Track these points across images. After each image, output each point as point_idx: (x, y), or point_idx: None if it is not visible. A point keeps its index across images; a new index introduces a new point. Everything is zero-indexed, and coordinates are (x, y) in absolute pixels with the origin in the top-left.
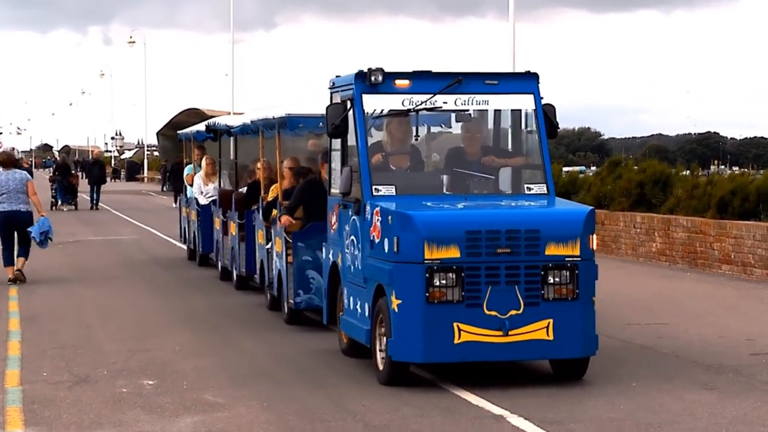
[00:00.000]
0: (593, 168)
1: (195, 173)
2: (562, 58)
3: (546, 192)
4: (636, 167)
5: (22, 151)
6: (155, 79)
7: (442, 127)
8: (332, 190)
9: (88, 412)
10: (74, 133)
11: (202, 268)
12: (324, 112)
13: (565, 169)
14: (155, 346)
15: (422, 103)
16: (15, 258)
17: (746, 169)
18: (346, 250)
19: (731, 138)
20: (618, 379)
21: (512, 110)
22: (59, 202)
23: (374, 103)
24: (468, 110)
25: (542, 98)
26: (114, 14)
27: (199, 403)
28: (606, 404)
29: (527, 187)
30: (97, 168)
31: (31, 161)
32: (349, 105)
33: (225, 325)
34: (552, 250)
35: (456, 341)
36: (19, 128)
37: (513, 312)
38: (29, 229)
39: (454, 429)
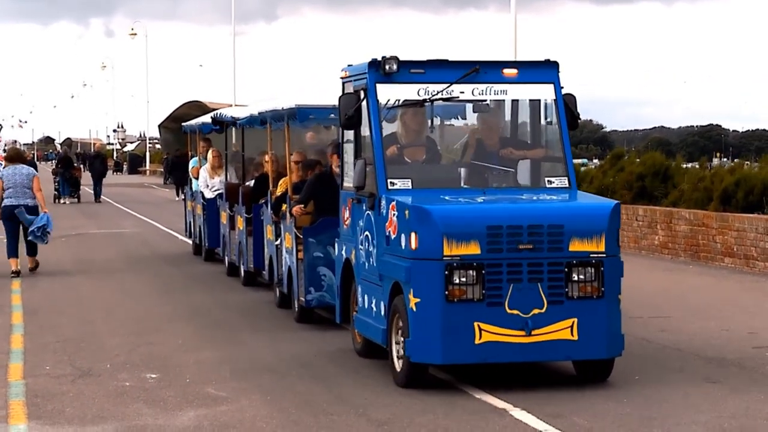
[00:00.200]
0: (595, 161)
1: (200, 166)
2: (564, 50)
3: (568, 185)
4: (638, 160)
5: (24, 144)
6: (157, 71)
7: (457, 118)
8: (345, 184)
9: (91, 406)
10: (76, 126)
11: (208, 264)
12: (334, 102)
13: None
14: (158, 340)
15: (438, 92)
16: (18, 251)
17: (748, 162)
18: (360, 246)
19: (733, 130)
20: (620, 372)
21: (531, 100)
22: (62, 195)
23: (388, 93)
24: (486, 100)
25: (562, 88)
26: (116, 6)
27: (201, 396)
28: (608, 397)
29: (548, 180)
30: (98, 161)
31: (33, 154)
32: (362, 95)
33: (232, 322)
34: (576, 246)
35: (477, 341)
36: (21, 121)
37: (536, 311)
38: (29, 224)
39: (457, 423)
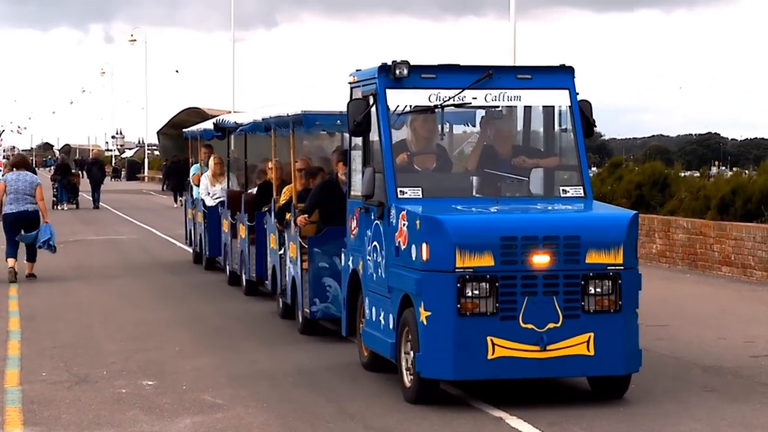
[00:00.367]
0: (594, 169)
1: (202, 173)
2: (563, 57)
3: (583, 195)
4: (636, 168)
5: (22, 150)
6: (156, 77)
7: (467, 125)
8: (352, 193)
9: (87, 413)
10: (75, 132)
11: (209, 272)
12: (337, 108)
13: None
14: (156, 347)
15: (450, 98)
16: (17, 253)
17: (746, 171)
18: (368, 257)
19: (732, 139)
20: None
21: (544, 107)
22: (60, 202)
23: (398, 99)
24: (499, 106)
25: (578, 94)
26: (115, 12)
27: (198, 403)
28: (605, 406)
29: (563, 190)
30: (96, 167)
31: (32, 160)
32: (371, 100)
33: (233, 331)
34: (593, 258)
35: (489, 357)
36: (19, 127)
37: (551, 325)
38: (35, 239)
39: (453, 431)
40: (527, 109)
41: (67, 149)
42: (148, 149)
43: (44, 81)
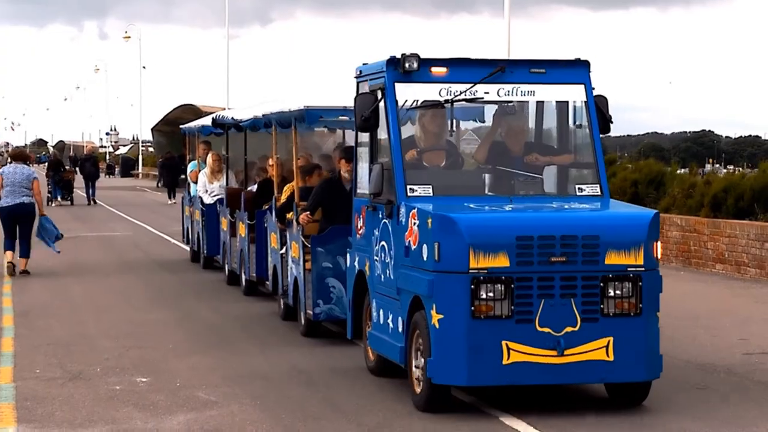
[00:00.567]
0: None
1: (199, 170)
2: (557, 55)
3: (600, 193)
4: (630, 166)
5: (16, 147)
6: (150, 74)
7: (475, 121)
8: (359, 190)
9: (81, 409)
10: (69, 129)
11: (207, 271)
12: (339, 103)
13: None
14: (150, 344)
15: (461, 93)
16: (14, 247)
17: (740, 168)
18: (375, 257)
19: (726, 137)
20: None
21: (558, 102)
22: (54, 198)
23: (407, 93)
24: (512, 101)
25: (594, 89)
26: (110, 9)
27: (191, 400)
28: (598, 405)
29: (578, 188)
30: (89, 163)
31: None
32: (380, 95)
33: (233, 333)
34: (612, 259)
35: (504, 362)
36: (13, 123)
37: (568, 329)
38: (45, 240)
39: (448, 429)
40: (539, 105)
41: (61, 146)
42: (143, 146)
43: (38, 77)
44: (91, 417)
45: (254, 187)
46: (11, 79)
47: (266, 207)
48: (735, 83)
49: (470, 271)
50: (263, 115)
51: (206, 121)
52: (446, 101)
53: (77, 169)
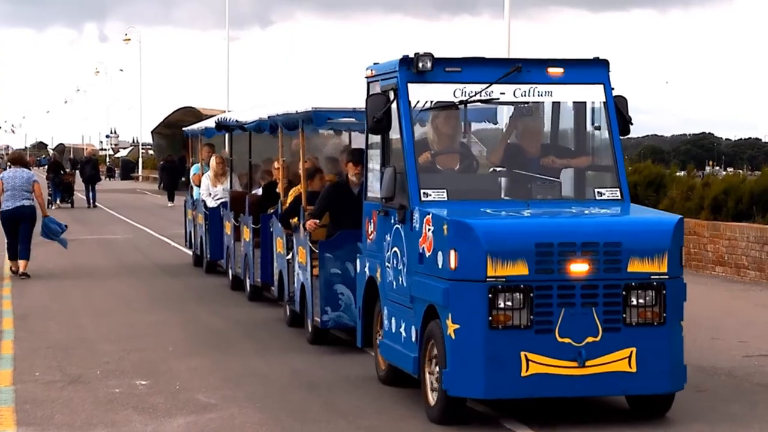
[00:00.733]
0: None
1: (203, 173)
2: (557, 56)
3: (620, 198)
4: (630, 168)
5: (14, 150)
6: (151, 76)
7: (487, 123)
8: (369, 194)
9: (80, 412)
10: (69, 131)
11: (210, 276)
12: (346, 104)
13: None
14: (149, 347)
15: (476, 93)
16: (18, 254)
17: (740, 171)
18: (387, 264)
19: (726, 139)
20: None
21: (575, 103)
22: (54, 201)
23: (421, 94)
24: (529, 102)
25: (613, 89)
26: (110, 11)
27: (191, 403)
28: (598, 407)
29: (598, 192)
30: (89, 166)
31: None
32: (392, 95)
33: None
34: (635, 267)
35: (523, 374)
36: (13, 126)
37: (590, 339)
38: (53, 238)
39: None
40: (555, 106)
41: (61, 148)
42: (143, 148)
43: (38, 80)
44: (90, 420)
45: (259, 191)
46: (11, 82)
47: (272, 211)
48: (735, 85)
49: (488, 279)
50: (269, 117)
51: (209, 123)
52: (461, 102)
53: (77, 171)
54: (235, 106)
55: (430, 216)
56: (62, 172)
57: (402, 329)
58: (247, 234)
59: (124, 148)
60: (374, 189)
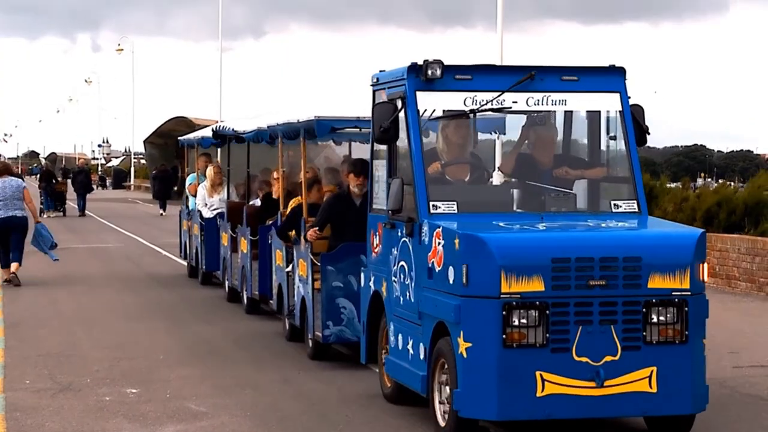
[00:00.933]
0: None
1: (199, 183)
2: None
3: (637, 210)
4: None
5: (8, 158)
6: (143, 86)
7: (494, 133)
8: (374, 206)
9: (71, 420)
10: (61, 140)
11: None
12: (347, 114)
13: None
14: (140, 356)
15: (488, 102)
16: (8, 262)
17: (732, 182)
18: (393, 278)
19: (718, 151)
20: None
21: (589, 112)
22: (46, 210)
23: (429, 102)
24: (542, 111)
25: (630, 98)
26: (103, 21)
27: (182, 411)
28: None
29: (614, 204)
30: (82, 176)
31: (18, 168)
32: (400, 104)
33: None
34: (656, 283)
35: (539, 394)
36: (5, 135)
37: (608, 358)
38: (42, 248)
39: None
40: (568, 115)
41: (53, 158)
42: (135, 158)
43: (31, 89)
44: (80, 428)
45: (257, 201)
46: (4, 91)
47: (270, 222)
48: (727, 97)
49: (502, 296)
50: (268, 127)
51: (206, 132)
52: (472, 111)
53: (69, 181)
54: (228, 116)
55: (440, 229)
56: (54, 181)
57: (409, 346)
58: (244, 245)
59: (116, 158)
60: (380, 200)
